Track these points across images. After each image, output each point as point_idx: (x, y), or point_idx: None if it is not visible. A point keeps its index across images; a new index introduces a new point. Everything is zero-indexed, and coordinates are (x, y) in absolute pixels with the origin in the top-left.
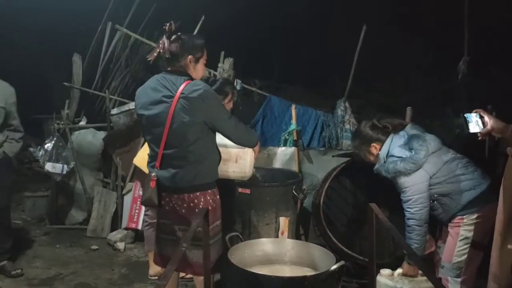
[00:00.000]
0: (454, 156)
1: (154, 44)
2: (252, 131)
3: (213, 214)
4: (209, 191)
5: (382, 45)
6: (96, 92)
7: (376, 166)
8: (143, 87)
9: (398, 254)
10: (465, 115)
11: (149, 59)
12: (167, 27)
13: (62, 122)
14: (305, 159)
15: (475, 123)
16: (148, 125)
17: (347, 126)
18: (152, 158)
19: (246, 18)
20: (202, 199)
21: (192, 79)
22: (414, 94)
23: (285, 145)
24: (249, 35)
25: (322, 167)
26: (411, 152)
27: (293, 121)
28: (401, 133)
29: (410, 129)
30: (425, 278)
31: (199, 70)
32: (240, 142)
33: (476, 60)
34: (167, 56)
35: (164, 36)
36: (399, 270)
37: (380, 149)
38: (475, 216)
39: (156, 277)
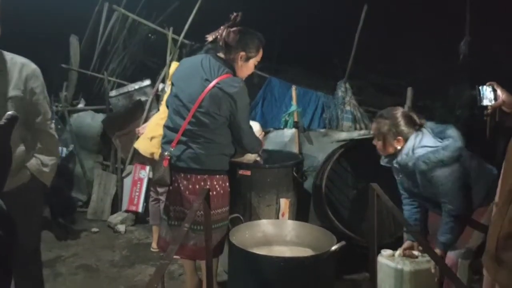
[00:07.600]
0: None
1: (152, 25)
2: (259, 140)
3: (221, 200)
4: (217, 176)
5: (383, 25)
6: (94, 74)
7: (400, 159)
8: (188, 59)
9: (399, 235)
10: (479, 87)
11: (207, 38)
12: (232, 17)
13: (60, 105)
14: (306, 141)
15: (487, 96)
16: (178, 97)
17: (348, 108)
18: (170, 130)
19: None
20: (209, 182)
21: (235, 74)
22: (415, 75)
23: (285, 126)
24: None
25: (322, 148)
26: (448, 140)
27: (294, 102)
28: (424, 130)
29: (431, 125)
30: (426, 258)
31: (247, 68)
32: (246, 147)
33: (477, 40)
34: (221, 45)
35: (226, 25)
36: (400, 251)
37: (403, 144)
38: None
39: (159, 250)
